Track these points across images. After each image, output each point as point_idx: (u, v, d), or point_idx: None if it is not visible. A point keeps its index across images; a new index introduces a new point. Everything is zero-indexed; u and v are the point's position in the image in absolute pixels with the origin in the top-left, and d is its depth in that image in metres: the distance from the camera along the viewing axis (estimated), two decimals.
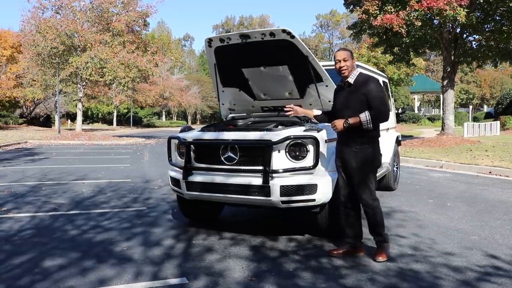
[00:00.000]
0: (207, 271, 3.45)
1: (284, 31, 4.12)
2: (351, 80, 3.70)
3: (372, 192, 3.68)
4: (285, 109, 4.17)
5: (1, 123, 36.40)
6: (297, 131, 4.05)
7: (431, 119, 43.50)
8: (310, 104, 4.94)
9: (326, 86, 4.58)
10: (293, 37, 4.14)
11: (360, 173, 3.64)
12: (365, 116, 3.52)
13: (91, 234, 4.50)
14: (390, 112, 7.08)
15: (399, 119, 40.46)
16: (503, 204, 6.06)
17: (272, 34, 4.19)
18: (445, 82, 16.94)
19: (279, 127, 4.51)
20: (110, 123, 55.24)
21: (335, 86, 4.52)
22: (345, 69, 3.67)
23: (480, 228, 4.73)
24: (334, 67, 3.78)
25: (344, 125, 3.57)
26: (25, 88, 28.52)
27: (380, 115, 3.57)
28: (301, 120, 4.83)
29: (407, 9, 13.97)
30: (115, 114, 54.28)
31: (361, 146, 3.62)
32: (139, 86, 34.48)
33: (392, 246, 4.06)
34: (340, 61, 3.67)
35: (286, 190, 3.83)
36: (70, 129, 33.01)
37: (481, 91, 58.43)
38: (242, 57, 4.64)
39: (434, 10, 13.18)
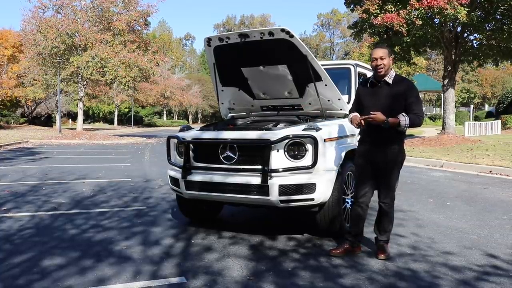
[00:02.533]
0: (206, 270, 3.46)
1: (283, 30, 4.12)
2: (388, 79, 3.65)
3: (394, 191, 3.80)
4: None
5: (3, 123, 36.46)
6: (296, 130, 4.04)
7: (432, 118, 43.47)
8: (310, 104, 4.94)
9: (325, 85, 4.57)
10: (292, 36, 4.13)
11: (391, 172, 3.69)
12: (404, 119, 3.52)
13: (90, 233, 4.50)
14: None
15: None
16: (503, 203, 6.06)
17: (271, 33, 4.19)
18: (445, 81, 16.92)
19: (278, 126, 4.50)
20: (111, 122, 55.30)
21: (334, 85, 4.52)
22: (382, 68, 3.61)
23: (480, 228, 4.72)
24: (369, 65, 3.73)
25: (383, 124, 3.53)
26: (26, 88, 28.60)
27: (419, 121, 3.61)
28: (301, 120, 4.83)
29: (407, 8, 13.97)
30: (116, 113, 54.32)
31: (396, 146, 3.67)
32: (140, 85, 34.57)
33: (391, 245, 4.06)
34: (377, 59, 3.61)
35: (284, 190, 3.83)
36: (71, 129, 33.04)
37: (482, 90, 58.35)
38: (241, 57, 4.63)
39: (435, 9, 13.16)
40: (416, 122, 3.59)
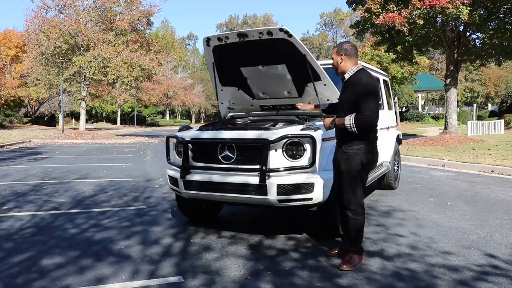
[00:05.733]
0: (204, 269, 3.46)
1: (281, 29, 4.11)
2: (347, 76, 3.57)
3: (357, 196, 3.49)
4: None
5: (6, 123, 36.57)
6: (294, 130, 4.04)
7: (435, 117, 43.31)
8: (309, 103, 4.93)
9: (325, 85, 4.57)
10: (290, 35, 4.13)
11: (348, 175, 3.46)
12: (349, 120, 3.34)
13: (90, 233, 4.52)
14: (390, 111, 7.09)
15: (403, 118, 40.30)
16: (503, 203, 6.03)
17: (269, 33, 4.18)
18: (448, 81, 16.86)
19: (277, 126, 4.50)
20: (114, 122, 55.43)
21: (333, 85, 4.53)
22: (334, 67, 3.63)
23: (479, 227, 4.71)
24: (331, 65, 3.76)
25: (331, 125, 3.51)
26: (30, 88, 28.69)
27: (367, 121, 3.31)
28: (299, 119, 4.82)
29: (409, 8, 13.91)
30: (119, 113, 54.45)
31: (352, 148, 3.43)
32: (143, 85, 34.63)
33: (390, 245, 4.07)
34: (333, 58, 3.66)
35: (283, 189, 3.83)
36: (74, 128, 33.14)
37: (485, 90, 58.08)
38: (240, 56, 4.64)
39: (437, 8, 13.11)
40: (363, 123, 3.30)
